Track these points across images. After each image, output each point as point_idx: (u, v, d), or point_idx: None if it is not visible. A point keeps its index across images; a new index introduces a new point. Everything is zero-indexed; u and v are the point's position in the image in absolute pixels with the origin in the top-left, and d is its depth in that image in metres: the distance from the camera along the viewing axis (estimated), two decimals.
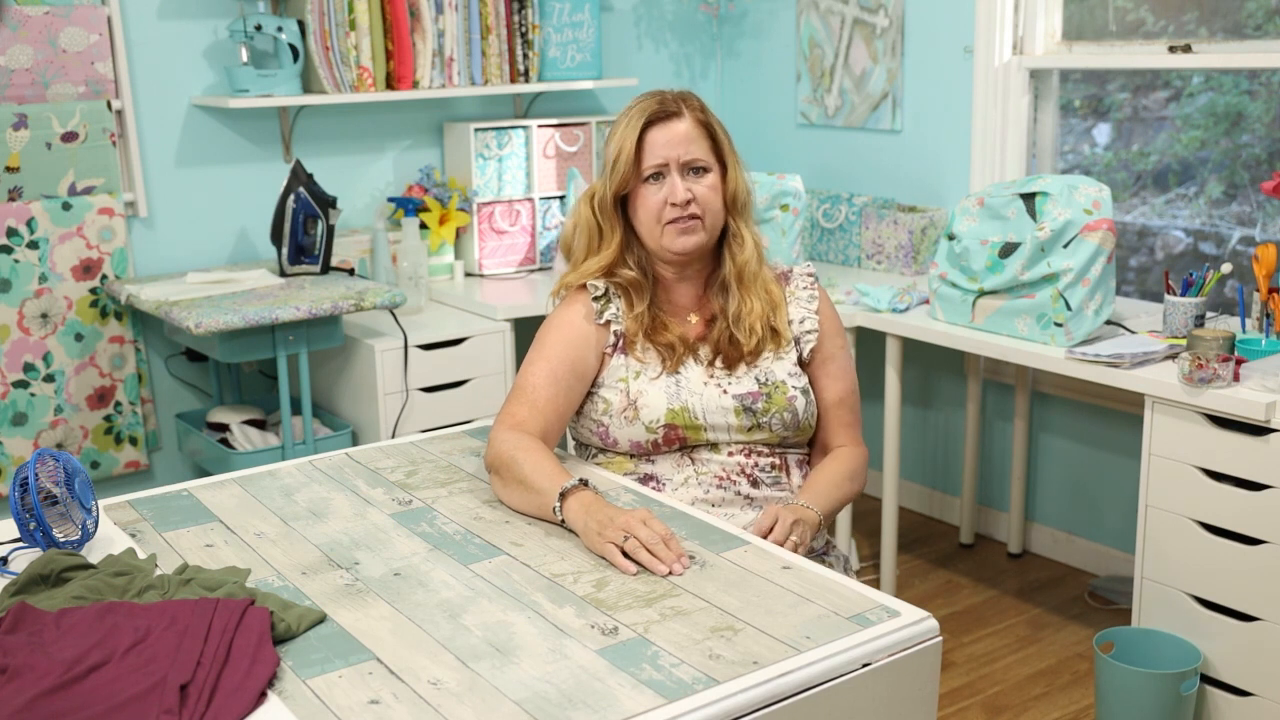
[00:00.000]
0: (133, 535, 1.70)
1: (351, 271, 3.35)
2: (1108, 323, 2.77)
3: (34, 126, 3.07)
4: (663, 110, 1.92)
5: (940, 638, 1.44)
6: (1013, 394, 3.51)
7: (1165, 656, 2.49)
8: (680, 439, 1.91)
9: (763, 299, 1.98)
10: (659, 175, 1.91)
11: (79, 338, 3.20)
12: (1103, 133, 3.41)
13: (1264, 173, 3.01)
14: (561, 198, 3.79)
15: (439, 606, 1.47)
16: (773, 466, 1.94)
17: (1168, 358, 2.54)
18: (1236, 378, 2.37)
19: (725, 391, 1.92)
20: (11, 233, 3.08)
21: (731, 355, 1.95)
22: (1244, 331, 2.67)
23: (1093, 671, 2.74)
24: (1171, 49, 3.04)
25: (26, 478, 1.60)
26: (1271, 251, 2.58)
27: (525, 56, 3.63)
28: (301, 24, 3.28)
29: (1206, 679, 2.47)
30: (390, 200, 3.63)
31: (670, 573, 1.54)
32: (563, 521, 1.68)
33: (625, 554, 1.56)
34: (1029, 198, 2.73)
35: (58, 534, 1.62)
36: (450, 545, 1.65)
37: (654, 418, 1.89)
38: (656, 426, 1.89)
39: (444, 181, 3.71)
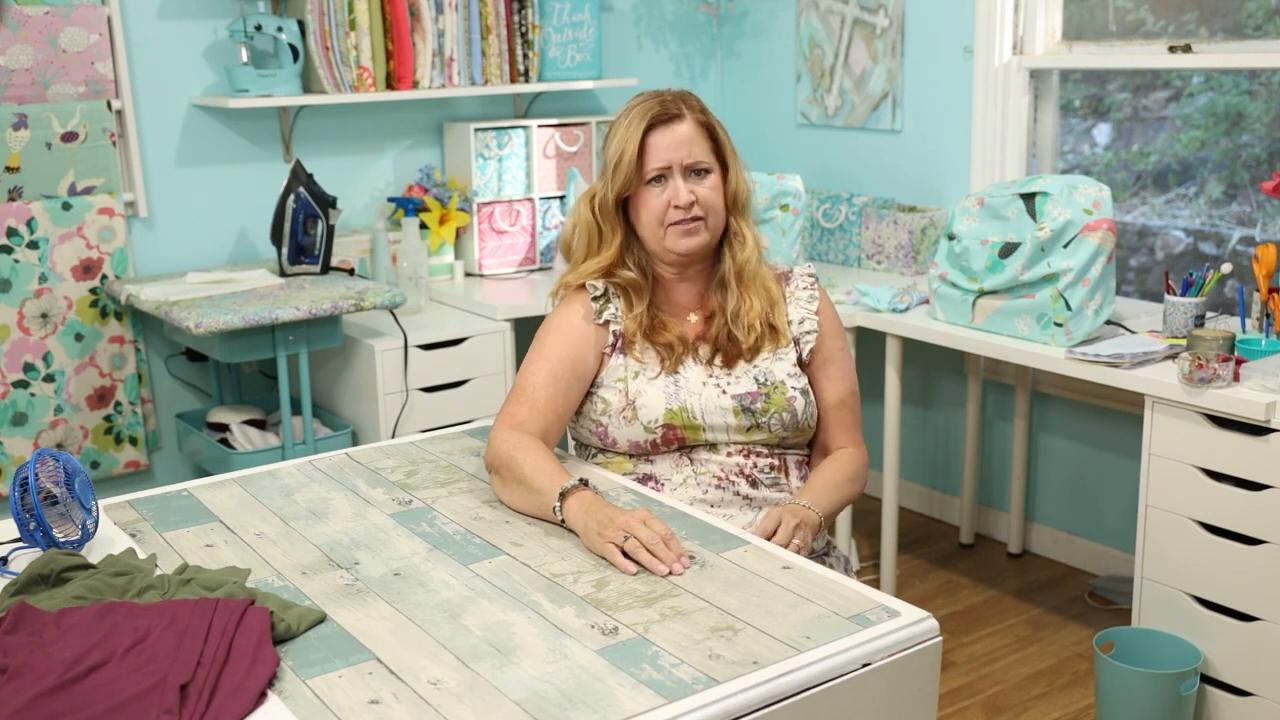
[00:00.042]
0: (133, 535, 1.70)
1: (351, 271, 3.35)
2: (1108, 323, 2.77)
3: (34, 126, 3.07)
4: (664, 112, 1.91)
5: (940, 638, 1.44)
6: (1013, 394, 3.51)
7: (1165, 656, 2.49)
8: (679, 439, 1.91)
9: (762, 297, 1.98)
10: (661, 178, 1.91)
11: (79, 338, 3.20)
12: (1103, 133, 3.41)
13: (1264, 173, 3.01)
14: (561, 198, 3.78)
15: (439, 606, 1.47)
16: (771, 467, 1.94)
17: (1168, 358, 2.54)
18: (1236, 378, 2.37)
19: (724, 392, 1.92)
20: (11, 233, 3.08)
21: (730, 352, 1.95)
22: (1244, 331, 2.67)
23: (1093, 671, 2.74)
24: (1171, 49, 3.03)
25: (26, 478, 1.60)
26: (1271, 251, 2.57)
27: (525, 56, 3.63)
28: (301, 24, 3.27)
29: (1206, 679, 2.47)
30: (390, 200, 3.63)
31: (670, 573, 1.54)
32: (563, 521, 1.68)
33: (625, 554, 1.56)
34: (1029, 198, 2.73)
35: (58, 534, 1.62)
36: (450, 545, 1.65)
37: (652, 418, 1.89)
38: (655, 426, 1.89)
39: (444, 181, 3.71)
